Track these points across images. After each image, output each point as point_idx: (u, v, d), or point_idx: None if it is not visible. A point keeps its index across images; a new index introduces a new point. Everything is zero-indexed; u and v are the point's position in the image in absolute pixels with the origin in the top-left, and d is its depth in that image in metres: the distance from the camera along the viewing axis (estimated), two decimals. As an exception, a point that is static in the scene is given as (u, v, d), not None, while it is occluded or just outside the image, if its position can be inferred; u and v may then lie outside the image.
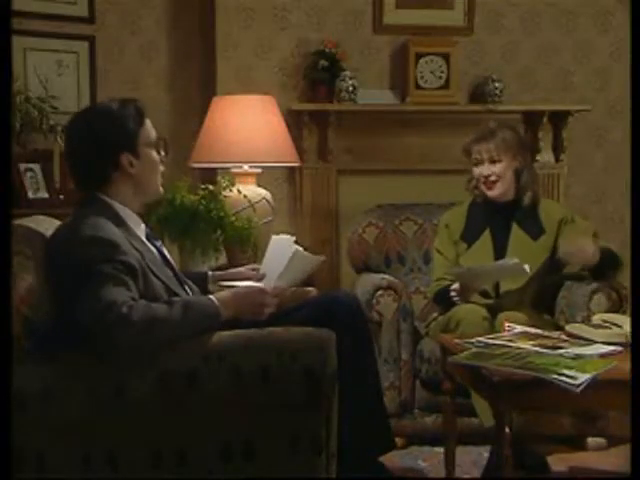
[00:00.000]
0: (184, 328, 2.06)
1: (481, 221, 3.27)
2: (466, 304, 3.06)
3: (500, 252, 3.19)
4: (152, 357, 2.01)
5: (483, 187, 3.22)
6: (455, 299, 3.11)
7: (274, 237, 2.54)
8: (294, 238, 2.51)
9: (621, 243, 4.37)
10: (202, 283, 2.56)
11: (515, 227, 3.22)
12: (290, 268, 2.36)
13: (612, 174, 4.67)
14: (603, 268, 3.11)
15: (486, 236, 3.24)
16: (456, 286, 3.12)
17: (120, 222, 2.21)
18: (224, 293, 2.22)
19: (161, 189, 2.37)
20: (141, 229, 2.32)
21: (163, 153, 2.35)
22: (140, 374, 2.00)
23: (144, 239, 2.30)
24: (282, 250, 2.42)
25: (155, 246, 2.35)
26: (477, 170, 3.22)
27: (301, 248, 2.41)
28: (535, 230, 3.21)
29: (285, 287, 2.34)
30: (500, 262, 3.09)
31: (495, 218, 3.24)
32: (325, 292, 2.78)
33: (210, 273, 2.65)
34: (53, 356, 2.05)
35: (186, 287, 2.37)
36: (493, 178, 3.19)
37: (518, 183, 3.23)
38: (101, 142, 2.23)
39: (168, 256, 2.41)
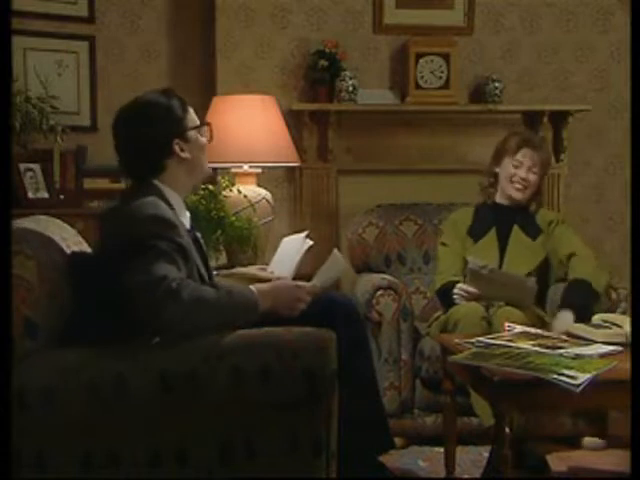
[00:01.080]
0: (226, 313, 2.11)
1: (488, 221, 3.33)
2: (465, 303, 3.06)
3: (503, 250, 3.26)
4: (139, 356, 2.03)
5: (510, 187, 3.29)
6: (456, 299, 3.10)
7: (285, 239, 2.56)
8: (306, 232, 2.51)
9: (621, 244, 4.41)
10: None
11: (516, 228, 3.30)
12: (328, 269, 2.39)
13: (612, 174, 4.67)
14: (577, 308, 3.00)
15: (492, 234, 3.30)
16: (462, 285, 3.11)
17: (170, 208, 2.26)
18: (263, 285, 2.27)
19: (210, 169, 2.47)
20: (187, 219, 2.38)
21: (208, 136, 2.44)
22: (140, 374, 2.00)
23: (188, 227, 2.36)
24: (292, 249, 2.43)
25: (196, 238, 2.40)
26: (513, 171, 3.28)
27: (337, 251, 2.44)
28: (533, 231, 3.30)
29: (320, 287, 2.35)
30: (520, 277, 3.09)
31: (500, 219, 3.32)
32: (324, 293, 2.78)
33: (214, 272, 2.66)
34: (54, 354, 2.05)
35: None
36: (526, 184, 3.28)
37: (532, 194, 3.34)
38: (154, 132, 2.30)
39: (205, 250, 2.46)
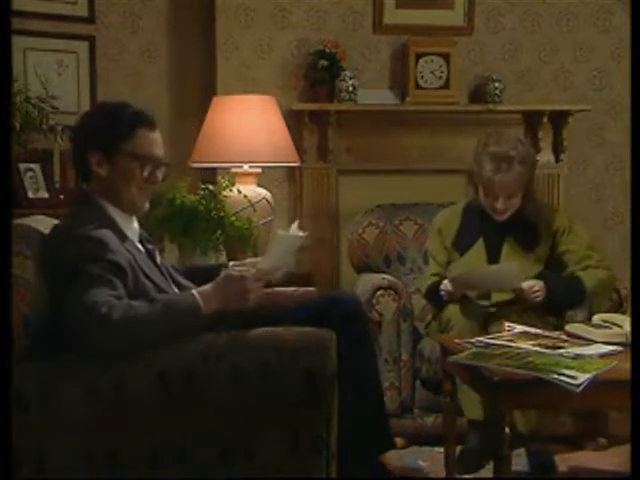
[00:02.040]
0: (165, 324, 2.03)
1: (475, 229, 3.16)
2: (456, 303, 3.04)
3: (492, 262, 3.11)
4: (139, 356, 2.00)
5: (492, 213, 3.08)
6: (443, 295, 3.09)
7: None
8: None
9: (620, 243, 4.41)
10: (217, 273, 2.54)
11: (509, 239, 3.11)
12: (272, 250, 2.32)
13: (612, 174, 4.67)
14: (554, 300, 3.02)
15: (479, 246, 3.14)
16: (446, 286, 3.07)
17: (110, 222, 2.21)
18: (205, 287, 2.16)
19: (144, 207, 2.32)
20: (133, 230, 2.32)
21: (155, 176, 2.29)
22: (139, 374, 2.00)
23: (135, 241, 2.30)
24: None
25: (147, 249, 2.35)
26: (490, 201, 3.05)
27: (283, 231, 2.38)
28: (529, 241, 3.11)
29: (268, 269, 2.27)
30: (496, 267, 3.04)
31: (489, 227, 3.13)
32: (325, 293, 2.78)
33: (231, 263, 2.62)
34: (48, 355, 2.05)
35: (175, 289, 2.35)
36: (505, 209, 3.05)
37: (521, 204, 3.09)
38: (78, 133, 2.29)
39: (158, 260, 2.40)
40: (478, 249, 3.14)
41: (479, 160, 3.05)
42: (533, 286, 2.98)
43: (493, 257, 3.12)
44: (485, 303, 3.08)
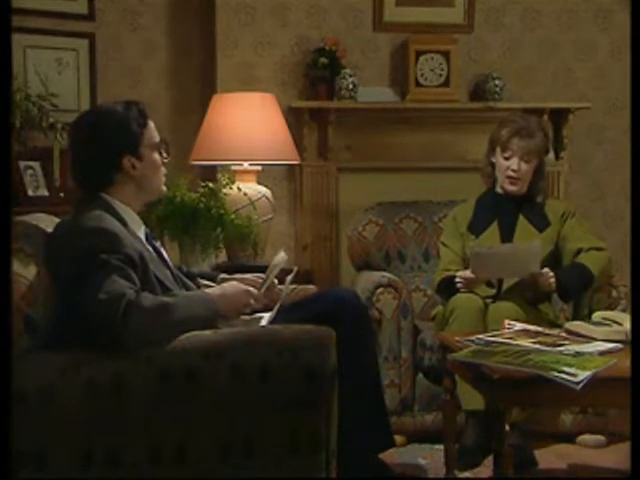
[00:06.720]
0: (189, 311, 2.10)
1: (489, 213, 3.29)
2: (465, 294, 3.06)
3: (507, 242, 3.21)
4: (140, 354, 2.01)
5: (506, 181, 3.23)
6: (459, 286, 3.10)
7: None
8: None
9: (621, 241, 4.41)
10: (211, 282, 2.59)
11: (522, 218, 3.25)
12: (271, 275, 2.44)
13: (612, 172, 4.67)
14: (568, 289, 3.13)
15: (494, 227, 3.26)
16: (463, 273, 3.10)
17: (120, 220, 2.22)
18: (215, 289, 2.31)
19: (164, 188, 2.41)
20: (141, 230, 2.33)
21: (165, 154, 2.37)
22: (140, 372, 2.00)
23: (143, 240, 2.31)
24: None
25: (154, 247, 2.36)
26: (506, 163, 3.21)
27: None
28: (541, 222, 3.24)
29: (265, 292, 2.41)
30: (519, 245, 3.12)
31: (503, 210, 3.27)
32: (329, 290, 2.78)
33: (221, 276, 2.65)
34: (50, 352, 2.05)
35: (182, 289, 2.36)
36: (520, 175, 3.21)
37: (533, 180, 3.27)
38: (104, 145, 2.25)
39: (166, 257, 2.41)
40: (493, 230, 3.26)
41: (500, 130, 3.24)
42: (549, 271, 3.07)
43: (507, 237, 3.23)
44: (492, 292, 3.12)
